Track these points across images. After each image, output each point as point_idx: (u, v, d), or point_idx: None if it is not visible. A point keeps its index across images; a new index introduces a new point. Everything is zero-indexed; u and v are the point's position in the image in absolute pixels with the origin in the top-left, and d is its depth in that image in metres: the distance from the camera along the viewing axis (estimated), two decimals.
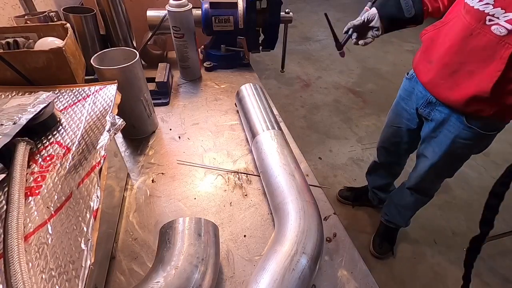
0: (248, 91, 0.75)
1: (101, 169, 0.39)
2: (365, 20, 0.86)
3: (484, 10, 0.67)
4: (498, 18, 0.65)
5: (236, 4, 0.90)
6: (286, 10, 0.95)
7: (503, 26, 0.65)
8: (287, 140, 0.63)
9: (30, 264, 0.30)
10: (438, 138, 0.93)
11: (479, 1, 0.68)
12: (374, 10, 0.86)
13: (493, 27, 0.66)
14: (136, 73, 0.62)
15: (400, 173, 1.42)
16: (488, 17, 0.66)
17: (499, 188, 0.69)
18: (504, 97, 0.71)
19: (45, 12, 0.79)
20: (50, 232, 0.33)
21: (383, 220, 1.41)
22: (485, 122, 0.80)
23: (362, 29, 0.89)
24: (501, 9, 0.64)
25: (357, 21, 0.87)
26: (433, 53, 0.83)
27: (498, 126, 0.83)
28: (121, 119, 0.47)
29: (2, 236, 0.31)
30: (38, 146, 0.43)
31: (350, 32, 0.90)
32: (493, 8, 0.65)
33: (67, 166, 0.39)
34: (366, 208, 1.62)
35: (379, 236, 1.42)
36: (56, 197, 0.36)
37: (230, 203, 0.58)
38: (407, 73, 1.03)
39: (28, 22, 0.73)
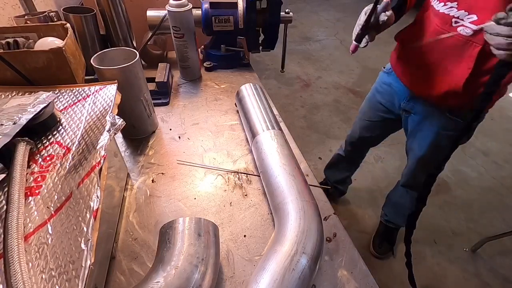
0: (248, 91, 0.75)
1: (101, 169, 0.39)
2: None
3: (449, 13, 0.71)
4: (462, 20, 0.69)
5: (236, 4, 0.90)
6: (286, 10, 0.95)
7: (468, 27, 0.68)
8: (287, 140, 0.63)
9: (30, 264, 0.30)
10: (423, 131, 0.94)
11: (443, 5, 0.72)
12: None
13: (459, 28, 0.69)
14: (136, 73, 0.62)
15: (359, 165, 1.48)
16: (453, 19, 0.70)
17: (435, 171, 0.77)
18: (477, 91, 0.73)
19: (45, 12, 0.79)
20: (50, 232, 0.33)
21: (382, 220, 1.42)
22: (466, 113, 0.82)
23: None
24: (465, 11, 0.68)
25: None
26: (408, 53, 0.85)
27: (479, 117, 0.83)
28: (121, 119, 0.47)
29: (2, 236, 0.31)
30: (38, 146, 0.43)
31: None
32: (457, 10, 0.69)
33: (67, 166, 0.39)
34: (366, 208, 1.62)
35: (379, 237, 1.43)
36: (56, 197, 0.36)
37: (230, 203, 0.58)
38: (384, 67, 1.04)
39: (28, 22, 0.73)
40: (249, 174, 0.64)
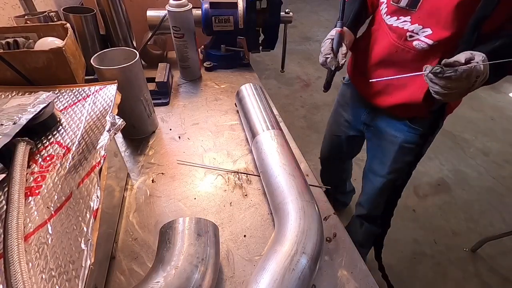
0: (248, 91, 0.75)
1: (101, 169, 0.39)
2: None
3: (403, 27, 0.68)
4: (417, 34, 0.66)
5: (236, 4, 0.90)
6: (286, 10, 0.95)
7: (424, 41, 0.66)
8: (287, 140, 0.63)
9: (30, 264, 0.30)
10: (385, 148, 0.89)
11: (396, 19, 0.70)
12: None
13: (414, 43, 0.67)
14: (136, 73, 0.62)
15: (349, 176, 1.41)
16: (408, 33, 0.68)
17: (393, 197, 0.83)
18: (436, 102, 0.70)
19: (45, 12, 0.79)
20: (50, 232, 0.33)
21: None
22: (427, 122, 0.79)
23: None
24: (419, 25, 0.66)
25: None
26: (365, 66, 0.82)
27: (439, 125, 0.81)
28: (121, 119, 0.47)
29: (2, 236, 0.31)
30: (38, 146, 0.43)
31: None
32: (411, 25, 0.67)
33: (67, 166, 0.39)
34: None
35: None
36: (56, 197, 0.36)
37: (230, 203, 0.58)
38: (343, 78, 1.00)
39: (28, 22, 0.73)
40: (249, 174, 0.64)
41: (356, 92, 0.92)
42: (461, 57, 0.54)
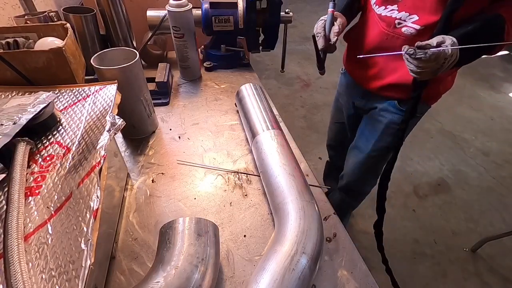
0: (248, 91, 0.75)
1: (101, 169, 0.39)
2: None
3: (391, 15, 0.73)
4: (405, 20, 0.71)
5: (236, 4, 0.90)
6: (286, 10, 0.95)
7: (411, 27, 0.70)
8: (287, 140, 0.63)
9: (30, 264, 0.30)
10: (373, 126, 0.95)
11: (384, 9, 0.75)
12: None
13: (403, 29, 0.72)
14: (136, 73, 0.62)
15: None
16: (397, 21, 0.72)
17: (383, 181, 0.84)
18: (424, 85, 0.74)
19: (45, 12, 0.79)
20: (50, 232, 0.33)
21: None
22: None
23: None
24: (405, 12, 0.70)
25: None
26: (358, 53, 0.85)
27: (424, 109, 0.88)
28: (121, 119, 0.47)
29: (2, 236, 0.31)
30: (38, 146, 0.43)
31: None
32: (398, 12, 0.72)
33: (67, 166, 0.39)
34: (366, 208, 1.61)
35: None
36: (56, 197, 0.36)
37: (230, 203, 0.58)
38: (342, 69, 1.06)
39: (28, 22, 0.73)
40: (249, 174, 0.64)
41: (351, 80, 0.97)
42: (434, 40, 0.59)
